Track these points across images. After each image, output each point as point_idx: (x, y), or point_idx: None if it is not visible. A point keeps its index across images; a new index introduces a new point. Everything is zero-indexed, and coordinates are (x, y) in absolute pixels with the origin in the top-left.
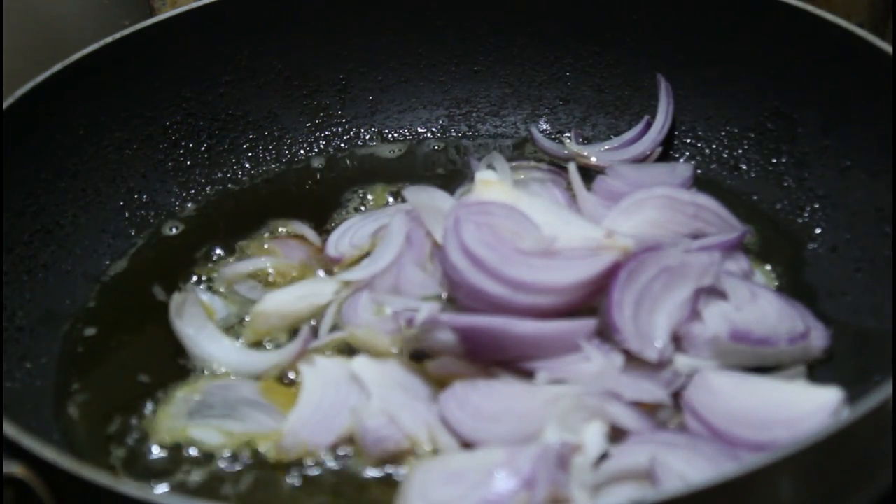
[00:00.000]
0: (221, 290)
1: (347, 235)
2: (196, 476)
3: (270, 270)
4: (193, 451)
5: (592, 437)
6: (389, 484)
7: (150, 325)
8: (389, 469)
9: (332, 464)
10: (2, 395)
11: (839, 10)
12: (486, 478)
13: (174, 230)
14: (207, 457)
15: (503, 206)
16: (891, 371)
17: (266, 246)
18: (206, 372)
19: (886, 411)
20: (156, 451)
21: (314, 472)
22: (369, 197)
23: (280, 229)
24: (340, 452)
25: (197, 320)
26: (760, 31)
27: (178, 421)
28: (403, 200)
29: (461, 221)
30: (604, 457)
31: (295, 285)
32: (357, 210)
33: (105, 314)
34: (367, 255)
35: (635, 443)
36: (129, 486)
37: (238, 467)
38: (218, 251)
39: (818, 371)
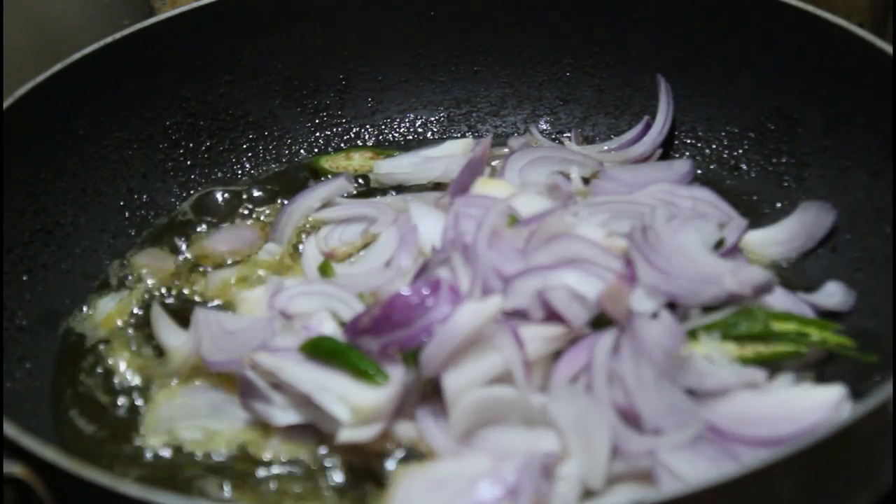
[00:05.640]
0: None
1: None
2: (189, 475)
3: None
4: (186, 451)
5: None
6: (375, 488)
7: (149, 325)
8: (374, 473)
9: (317, 465)
10: (2, 395)
11: (839, 10)
12: (470, 485)
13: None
14: (198, 456)
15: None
16: (891, 371)
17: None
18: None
19: (886, 411)
20: (151, 452)
21: (298, 471)
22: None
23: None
24: (325, 451)
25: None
26: (761, 31)
27: (166, 423)
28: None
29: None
30: None
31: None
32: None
33: (104, 314)
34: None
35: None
36: (129, 486)
37: (229, 465)
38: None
39: (818, 371)
